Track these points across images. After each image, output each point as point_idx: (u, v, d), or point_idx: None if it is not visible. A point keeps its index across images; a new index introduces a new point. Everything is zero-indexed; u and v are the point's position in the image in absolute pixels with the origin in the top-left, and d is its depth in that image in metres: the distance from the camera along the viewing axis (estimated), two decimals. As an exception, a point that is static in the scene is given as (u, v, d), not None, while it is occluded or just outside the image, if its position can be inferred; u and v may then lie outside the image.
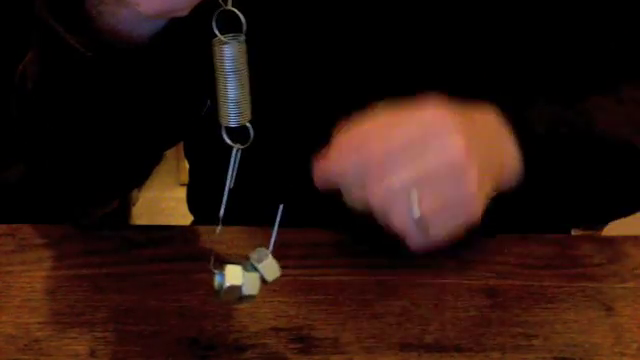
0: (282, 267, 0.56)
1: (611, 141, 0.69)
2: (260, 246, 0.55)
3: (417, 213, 0.56)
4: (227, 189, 0.54)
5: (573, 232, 1.02)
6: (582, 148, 0.68)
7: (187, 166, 0.94)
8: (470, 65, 0.71)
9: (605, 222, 1.05)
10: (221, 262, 0.55)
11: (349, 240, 0.72)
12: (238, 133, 0.54)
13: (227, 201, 0.55)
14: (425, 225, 0.57)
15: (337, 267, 0.69)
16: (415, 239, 0.58)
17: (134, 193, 2.04)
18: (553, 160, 0.66)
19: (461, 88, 0.63)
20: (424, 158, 0.56)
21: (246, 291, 0.54)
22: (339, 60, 0.71)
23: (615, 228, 1.05)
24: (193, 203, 0.93)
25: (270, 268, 0.55)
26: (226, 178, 0.54)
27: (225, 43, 0.52)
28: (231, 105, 0.53)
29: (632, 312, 0.65)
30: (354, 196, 0.58)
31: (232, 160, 0.54)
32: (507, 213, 0.82)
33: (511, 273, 0.69)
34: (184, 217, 0.94)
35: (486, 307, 0.65)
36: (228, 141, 0.54)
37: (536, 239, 0.73)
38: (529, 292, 0.67)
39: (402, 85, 0.64)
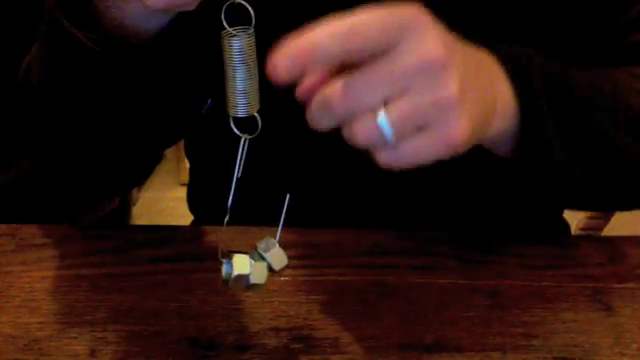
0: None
1: (615, 104, 0.62)
2: (267, 236, 0.56)
3: (382, 120, 0.48)
4: (235, 179, 0.54)
5: (573, 232, 1.02)
6: (585, 104, 0.61)
7: (187, 166, 0.95)
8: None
9: (607, 206, 0.88)
10: (229, 252, 0.55)
11: (349, 240, 0.72)
12: (245, 125, 0.54)
13: (234, 192, 0.55)
14: (392, 135, 0.48)
15: (337, 267, 0.69)
16: (383, 153, 0.49)
17: (134, 193, 2.04)
18: (552, 109, 0.59)
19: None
20: (391, 57, 0.47)
21: (253, 280, 0.54)
22: None
23: (615, 228, 1.05)
24: (193, 202, 0.93)
25: (277, 257, 0.55)
26: (230, 172, 0.54)
27: (234, 36, 0.52)
28: (239, 96, 0.53)
29: (632, 312, 0.65)
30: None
31: (240, 150, 0.54)
32: (506, 209, 0.82)
33: (511, 273, 0.69)
34: (184, 217, 0.94)
35: (486, 307, 0.65)
36: (236, 131, 0.54)
37: (536, 239, 0.73)
38: (529, 292, 0.67)
39: None
